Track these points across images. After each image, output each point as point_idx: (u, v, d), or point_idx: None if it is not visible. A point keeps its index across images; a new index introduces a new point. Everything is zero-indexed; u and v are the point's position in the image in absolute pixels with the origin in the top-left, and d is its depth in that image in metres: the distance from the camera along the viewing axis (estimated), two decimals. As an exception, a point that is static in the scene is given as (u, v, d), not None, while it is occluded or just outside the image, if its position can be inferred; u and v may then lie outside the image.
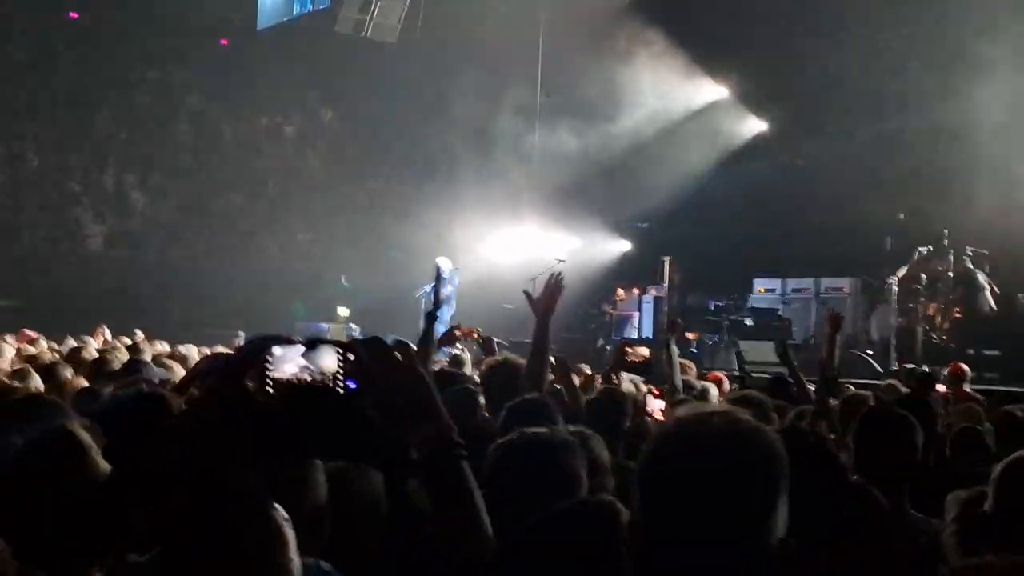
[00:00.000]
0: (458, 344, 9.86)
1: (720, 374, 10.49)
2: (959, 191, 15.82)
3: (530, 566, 2.12)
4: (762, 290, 17.82)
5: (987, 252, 15.65)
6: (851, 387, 8.91)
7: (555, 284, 5.56)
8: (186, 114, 24.28)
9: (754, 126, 20.67)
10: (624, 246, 21.53)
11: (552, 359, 7.92)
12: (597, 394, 6.04)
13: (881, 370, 14.34)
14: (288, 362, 2.06)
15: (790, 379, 7.69)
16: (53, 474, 2.69)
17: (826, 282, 17.11)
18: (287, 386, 2.05)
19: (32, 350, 9.29)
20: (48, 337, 11.14)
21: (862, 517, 3.23)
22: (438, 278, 5.98)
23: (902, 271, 15.75)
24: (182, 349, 10.14)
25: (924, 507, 4.03)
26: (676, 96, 20.50)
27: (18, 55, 22.26)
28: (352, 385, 2.02)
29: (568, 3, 19.99)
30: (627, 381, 7.55)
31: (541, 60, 21.89)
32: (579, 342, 18.38)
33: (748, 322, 16.90)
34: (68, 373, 6.80)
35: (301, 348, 2.06)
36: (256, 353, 2.05)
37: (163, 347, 10.65)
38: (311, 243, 24.45)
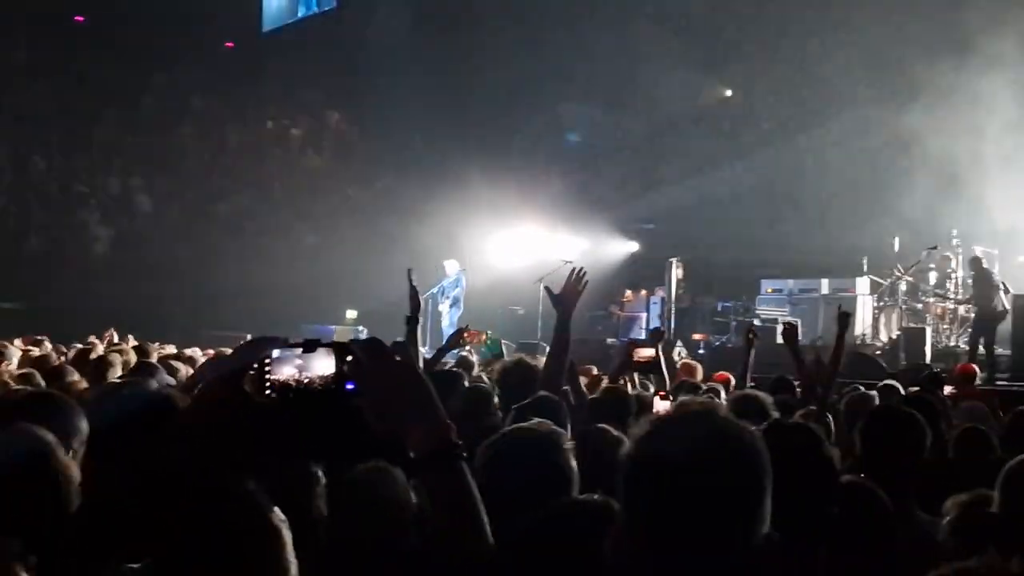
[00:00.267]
0: (467, 347, 9.87)
1: (728, 374, 10.45)
2: (970, 189, 15.80)
3: (527, 566, 2.12)
4: (770, 290, 17.78)
5: (996, 251, 15.61)
6: (860, 387, 8.89)
7: (576, 280, 5.51)
8: (191, 117, 24.33)
9: (761, 125, 20.66)
10: (632, 247, 21.52)
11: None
12: (601, 392, 6.04)
13: (890, 371, 14.29)
14: (286, 364, 2.06)
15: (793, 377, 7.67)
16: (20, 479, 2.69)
17: (834, 283, 17.06)
18: (285, 388, 2.05)
19: (38, 353, 9.31)
20: (54, 340, 11.17)
21: (859, 516, 3.21)
22: (411, 283, 5.87)
23: (910, 271, 15.71)
24: (188, 352, 10.16)
25: (930, 507, 4.01)
26: (683, 95, 20.50)
27: (24, 59, 22.34)
28: (350, 386, 2.01)
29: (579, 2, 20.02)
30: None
31: (544, 61, 21.89)
32: (587, 343, 18.36)
33: (756, 323, 16.87)
34: (74, 376, 6.80)
35: (299, 350, 2.05)
36: (254, 355, 2.05)
37: (170, 350, 10.67)
38: (318, 245, 24.46)
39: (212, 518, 1.88)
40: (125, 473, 2.67)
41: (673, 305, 17.93)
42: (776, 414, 5.00)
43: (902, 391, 7.88)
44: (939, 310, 15.64)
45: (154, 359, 8.07)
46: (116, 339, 11.79)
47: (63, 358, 8.88)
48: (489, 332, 11.92)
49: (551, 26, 21.66)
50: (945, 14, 16.82)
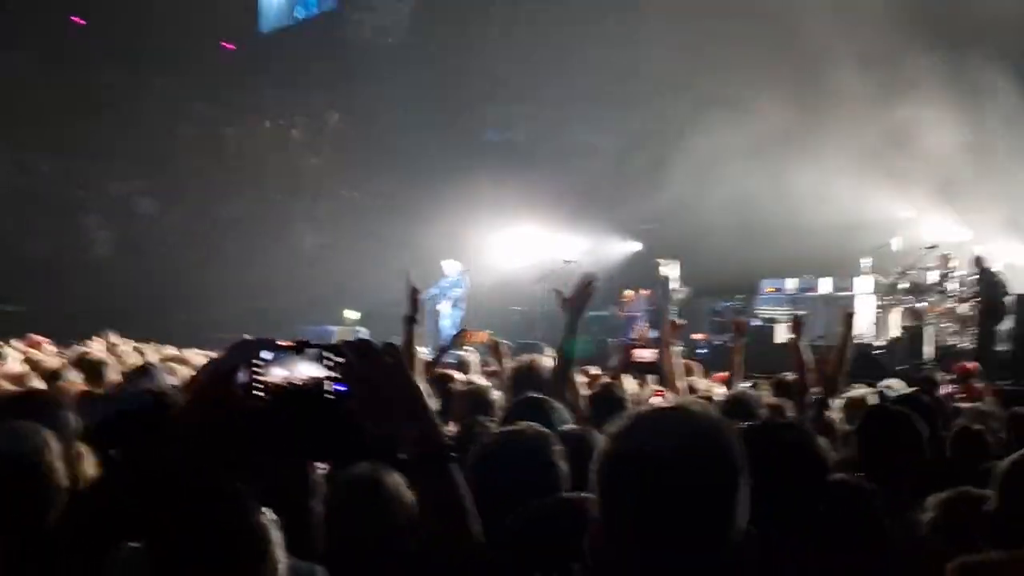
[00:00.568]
0: (467, 347, 9.87)
1: (727, 374, 10.44)
2: (970, 187, 15.80)
3: (518, 565, 2.12)
4: (770, 290, 17.79)
5: (995, 249, 15.61)
6: (860, 387, 8.89)
7: (586, 284, 5.52)
8: (191, 119, 24.34)
9: (760, 125, 20.63)
10: (633, 247, 21.52)
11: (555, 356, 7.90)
12: (598, 389, 6.06)
13: (889, 370, 14.29)
14: (276, 365, 2.07)
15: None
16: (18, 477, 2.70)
17: (835, 282, 17.06)
18: (276, 389, 2.05)
19: (38, 355, 9.31)
20: (55, 343, 11.17)
21: (848, 514, 3.22)
22: (410, 284, 5.87)
23: (911, 269, 15.72)
24: (188, 353, 10.17)
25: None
26: (682, 95, 20.48)
27: (23, 61, 22.34)
28: (341, 388, 2.02)
29: (573, 4, 20.01)
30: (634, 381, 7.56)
31: (545, 62, 21.90)
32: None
33: (756, 322, 16.87)
34: (73, 378, 6.82)
35: (289, 352, 2.06)
36: (244, 357, 2.06)
37: (170, 352, 10.67)
38: (318, 246, 24.48)
39: (201, 517, 1.89)
40: (120, 471, 2.69)
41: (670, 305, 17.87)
42: (764, 412, 5.02)
43: (901, 390, 7.87)
44: (940, 309, 15.64)
45: (154, 361, 8.08)
46: (116, 341, 11.80)
47: (62, 360, 8.88)
48: (491, 333, 11.94)
49: (551, 24, 21.66)
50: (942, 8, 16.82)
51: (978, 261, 15.20)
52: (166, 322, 18.31)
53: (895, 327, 15.88)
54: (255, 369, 2.06)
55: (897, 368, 13.82)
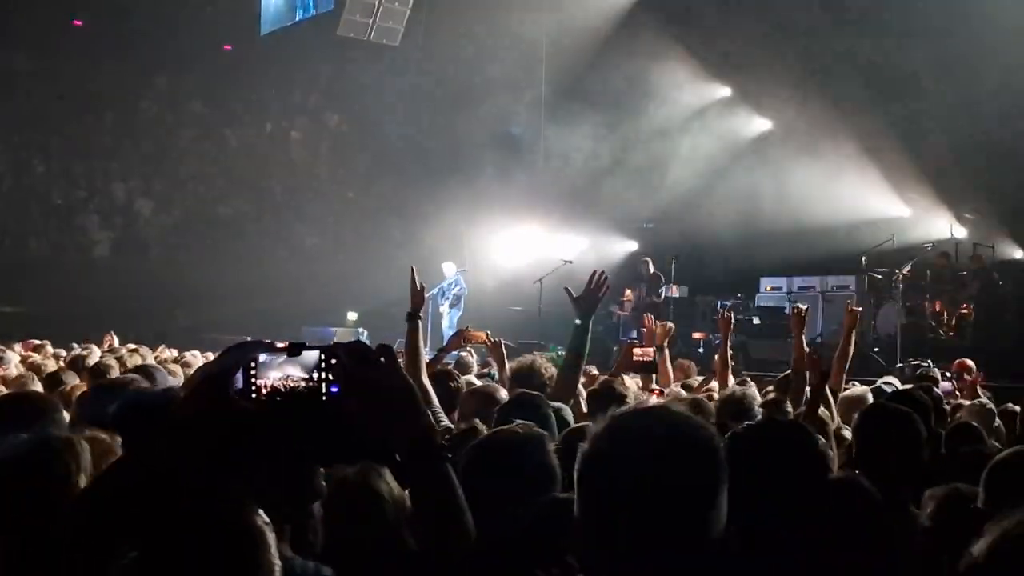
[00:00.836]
0: (468, 347, 9.85)
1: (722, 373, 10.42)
2: (968, 184, 15.80)
3: (510, 566, 2.14)
4: (769, 288, 17.79)
5: (993, 247, 15.62)
6: (857, 384, 8.90)
7: (598, 283, 5.46)
8: (191, 120, 24.35)
9: (757, 124, 20.66)
10: (631, 246, 21.52)
11: (555, 355, 7.91)
12: (597, 386, 6.06)
13: (888, 367, 14.30)
14: (272, 368, 2.08)
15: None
16: (28, 480, 2.71)
17: (832, 280, 17.06)
18: (270, 391, 2.06)
19: (37, 357, 9.32)
20: (54, 344, 11.17)
21: (850, 512, 3.23)
22: (414, 280, 5.82)
23: (907, 267, 15.72)
24: (188, 355, 10.18)
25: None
26: (681, 95, 20.50)
27: (23, 63, 22.35)
28: (334, 389, 2.03)
29: (573, 5, 20.00)
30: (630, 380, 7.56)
31: (545, 62, 21.90)
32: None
33: (755, 320, 16.88)
34: (72, 380, 6.82)
35: (284, 354, 2.07)
36: (239, 359, 2.07)
37: (169, 354, 10.68)
38: (318, 247, 24.49)
39: (196, 519, 1.90)
40: (118, 470, 2.70)
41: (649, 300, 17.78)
42: (759, 411, 5.03)
43: (899, 388, 7.87)
44: (937, 306, 15.64)
45: (153, 362, 8.09)
46: (116, 343, 11.82)
47: (61, 362, 8.89)
48: (489, 333, 11.90)
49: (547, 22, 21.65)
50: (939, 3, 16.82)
51: (976, 259, 15.20)
52: (166, 323, 18.33)
53: (892, 325, 15.88)
54: (251, 371, 2.07)
55: (894, 366, 13.83)
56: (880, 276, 16.38)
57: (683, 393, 6.96)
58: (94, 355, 9.02)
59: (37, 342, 10.97)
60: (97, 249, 22.61)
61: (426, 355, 8.75)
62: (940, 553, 3.13)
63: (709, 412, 4.99)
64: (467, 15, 21.19)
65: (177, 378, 6.84)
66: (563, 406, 4.68)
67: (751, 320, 16.93)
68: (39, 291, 19.24)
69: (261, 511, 1.97)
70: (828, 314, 15.91)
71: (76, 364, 8.02)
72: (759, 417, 5.02)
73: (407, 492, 3.44)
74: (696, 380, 8.32)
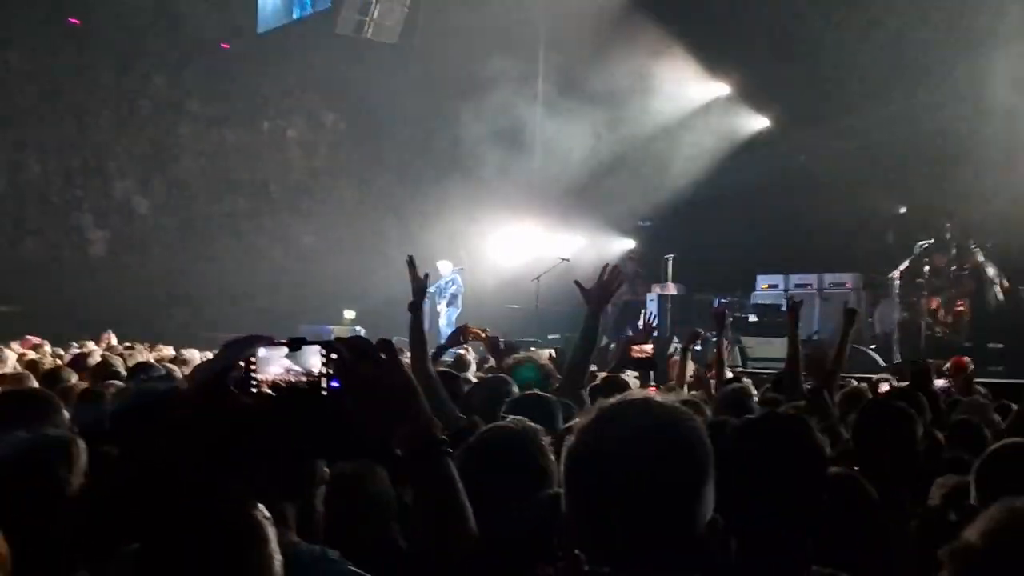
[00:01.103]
0: (466, 345, 9.85)
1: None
2: (963, 182, 15.77)
3: (509, 562, 2.14)
4: (765, 286, 17.78)
5: (989, 245, 15.61)
6: (853, 381, 8.92)
7: (611, 276, 5.39)
8: (187, 119, 24.32)
9: (756, 122, 20.66)
10: (628, 244, 21.52)
11: (552, 352, 7.93)
12: (601, 381, 6.07)
13: (884, 364, 14.32)
14: (272, 363, 2.08)
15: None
16: (28, 479, 2.71)
17: (829, 277, 17.07)
18: (271, 386, 2.06)
19: (34, 356, 9.32)
20: (52, 343, 11.17)
21: (847, 506, 3.24)
22: (413, 270, 5.76)
23: (904, 265, 15.72)
24: (186, 353, 10.18)
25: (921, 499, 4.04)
26: (679, 93, 20.50)
27: (19, 61, 22.32)
28: (335, 384, 2.03)
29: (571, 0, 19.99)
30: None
31: (543, 59, 21.91)
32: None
33: (752, 318, 16.87)
34: (71, 378, 6.82)
35: (284, 349, 2.07)
36: (239, 354, 2.07)
37: (167, 352, 10.69)
38: (315, 246, 24.47)
39: (195, 514, 1.90)
40: (120, 467, 2.70)
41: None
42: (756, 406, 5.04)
43: (896, 385, 7.89)
44: (934, 304, 15.65)
45: (151, 360, 8.09)
46: (114, 341, 11.82)
47: (59, 361, 8.89)
48: (488, 330, 11.92)
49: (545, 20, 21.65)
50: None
51: (970, 257, 15.20)
52: (164, 322, 18.32)
53: (889, 322, 15.89)
54: (250, 366, 2.07)
55: (891, 363, 13.85)
56: (877, 274, 16.39)
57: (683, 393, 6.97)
58: (94, 354, 9.03)
59: (36, 341, 10.96)
60: (94, 248, 22.57)
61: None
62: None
63: (704, 414, 4.99)
64: (464, 12, 21.16)
65: (176, 376, 6.85)
66: (573, 404, 4.66)
67: (747, 318, 16.93)
68: (35, 290, 19.22)
69: (261, 505, 1.97)
70: (825, 312, 15.93)
71: (78, 363, 8.02)
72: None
73: (392, 487, 3.46)
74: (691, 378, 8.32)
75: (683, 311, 17.55)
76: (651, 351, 7.74)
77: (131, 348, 10.00)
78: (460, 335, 8.64)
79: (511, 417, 3.27)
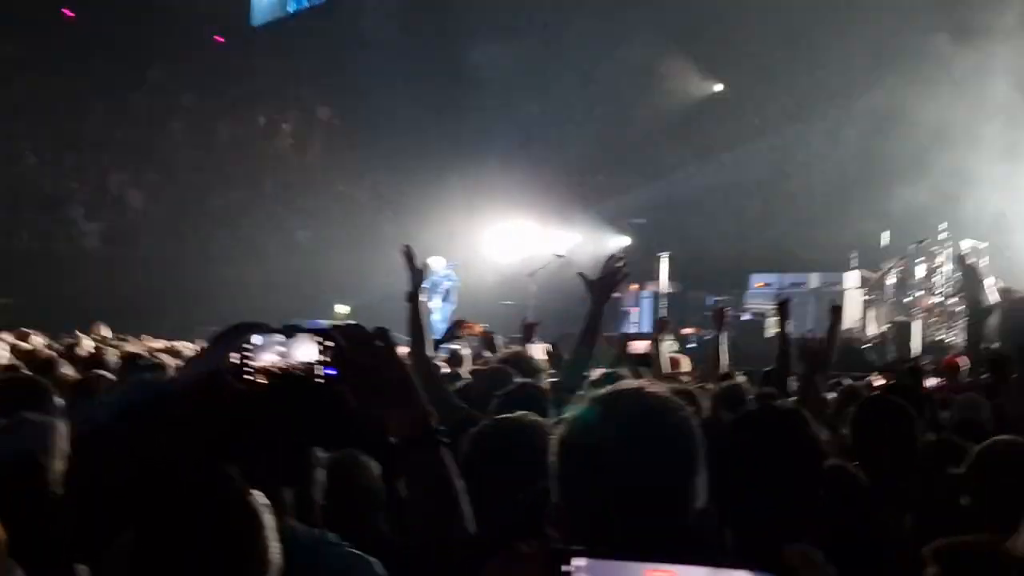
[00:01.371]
0: (461, 341, 9.88)
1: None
2: (958, 181, 15.81)
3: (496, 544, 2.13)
4: (759, 285, 17.80)
5: (986, 244, 15.65)
6: (849, 379, 8.93)
7: (614, 268, 5.34)
8: (182, 112, 24.27)
9: (749, 121, 20.70)
10: (623, 241, 21.52)
11: (549, 348, 7.92)
12: (598, 377, 6.07)
13: (878, 363, 14.33)
14: (267, 350, 2.06)
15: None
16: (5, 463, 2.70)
17: (823, 277, 17.10)
18: (266, 374, 2.05)
19: (27, 347, 9.27)
20: (44, 335, 11.11)
21: (843, 500, 3.23)
22: (410, 259, 5.74)
23: (899, 265, 15.75)
24: (179, 346, 10.14)
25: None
26: (677, 91, 20.53)
27: (12, 53, 22.25)
28: (331, 372, 2.01)
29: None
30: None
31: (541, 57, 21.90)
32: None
33: (744, 317, 16.89)
34: (65, 369, 6.80)
35: (279, 336, 2.06)
36: (235, 341, 2.05)
37: (158, 344, 10.63)
38: (309, 240, 24.43)
39: (191, 501, 1.89)
40: (116, 457, 2.69)
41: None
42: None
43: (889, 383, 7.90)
44: (927, 304, 15.68)
45: (144, 353, 8.05)
46: (105, 333, 11.77)
47: (52, 352, 8.85)
48: (485, 325, 11.96)
49: (543, 19, 21.64)
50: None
51: (961, 259, 15.24)
52: (156, 315, 18.25)
53: (883, 321, 15.92)
54: (245, 353, 2.06)
55: (884, 362, 13.86)
56: (870, 272, 16.42)
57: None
58: (85, 345, 9.00)
59: (25, 332, 10.90)
60: (87, 240, 22.52)
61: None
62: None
63: (699, 406, 4.98)
64: (460, 6, 21.16)
65: (168, 368, 6.82)
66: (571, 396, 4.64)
67: (739, 317, 16.94)
68: (28, 282, 19.16)
69: (258, 492, 1.95)
70: (820, 311, 15.92)
71: (68, 354, 7.99)
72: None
73: (379, 476, 3.45)
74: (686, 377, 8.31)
75: (679, 309, 17.57)
76: (647, 348, 7.78)
77: (123, 339, 9.96)
78: (456, 330, 8.65)
79: (521, 412, 3.26)
